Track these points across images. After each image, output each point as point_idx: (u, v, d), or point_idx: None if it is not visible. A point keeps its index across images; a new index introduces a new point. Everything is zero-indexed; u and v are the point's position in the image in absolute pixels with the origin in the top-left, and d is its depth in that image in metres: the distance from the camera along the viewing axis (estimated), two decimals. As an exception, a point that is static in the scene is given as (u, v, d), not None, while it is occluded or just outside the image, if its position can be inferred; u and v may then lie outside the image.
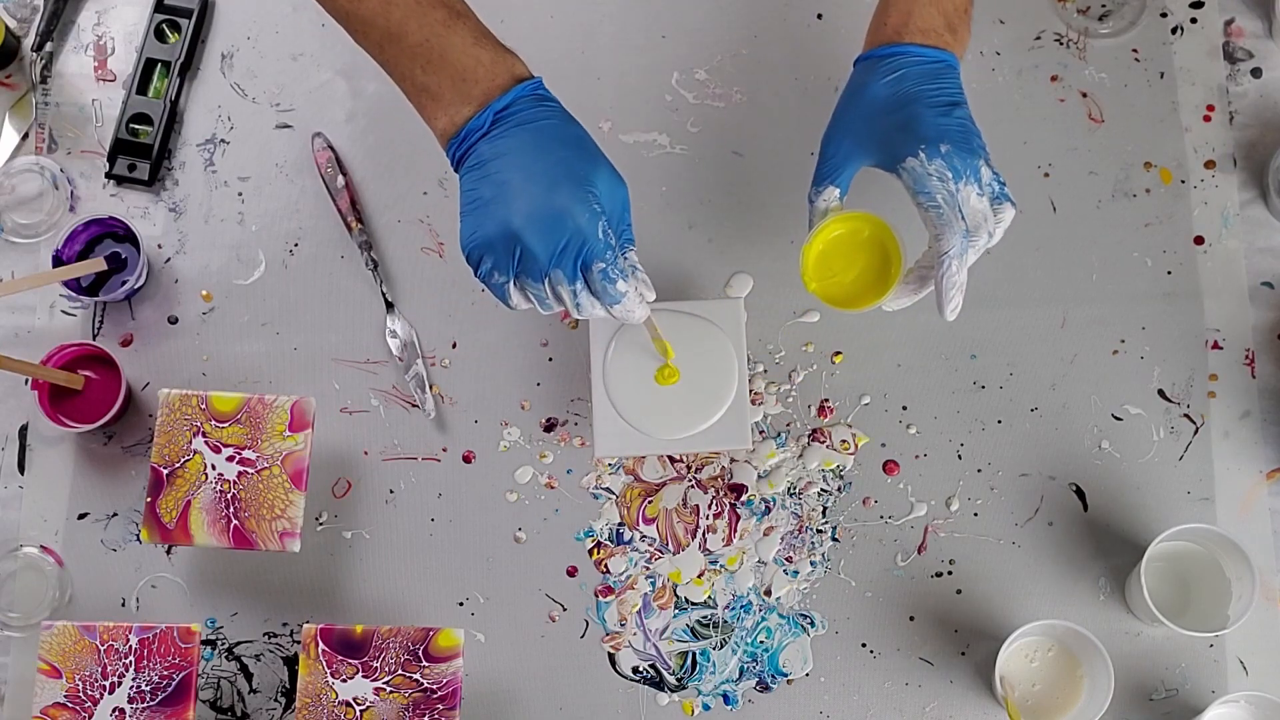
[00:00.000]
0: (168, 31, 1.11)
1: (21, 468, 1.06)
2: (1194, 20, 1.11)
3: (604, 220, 0.80)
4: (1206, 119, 1.09)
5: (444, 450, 1.06)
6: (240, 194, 1.10)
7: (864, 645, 1.02)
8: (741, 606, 1.03)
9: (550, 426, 1.06)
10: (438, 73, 0.82)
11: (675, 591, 1.03)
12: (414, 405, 1.06)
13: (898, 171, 0.84)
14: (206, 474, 0.96)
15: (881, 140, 0.85)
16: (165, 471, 0.97)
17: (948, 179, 0.82)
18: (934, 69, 0.85)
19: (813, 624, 1.02)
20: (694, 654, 1.02)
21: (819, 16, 1.12)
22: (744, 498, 1.04)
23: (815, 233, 0.88)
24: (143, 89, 1.10)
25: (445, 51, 0.82)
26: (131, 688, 0.94)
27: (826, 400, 1.05)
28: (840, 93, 0.89)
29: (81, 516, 1.05)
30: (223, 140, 1.11)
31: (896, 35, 0.86)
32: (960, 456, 1.04)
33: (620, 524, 1.04)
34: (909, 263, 0.87)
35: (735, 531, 1.03)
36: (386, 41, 0.83)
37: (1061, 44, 1.10)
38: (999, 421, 1.05)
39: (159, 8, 1.11)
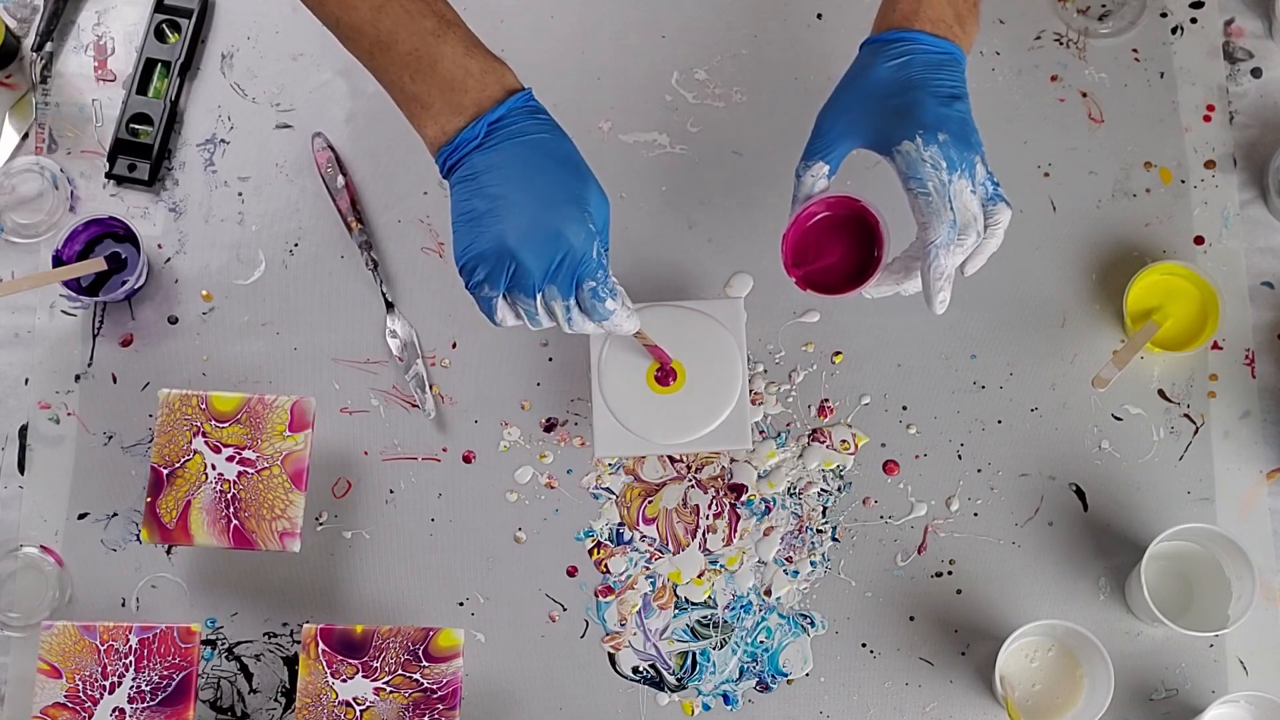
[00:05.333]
0: (168, 31, 1.11)
1: (21, 468, 1.06)
2: (1194, 20, 1.11)
3: (598, 240, 0.81)
4: (1206, 119, 1.09)
5: (444, 450, 1.06)
6: (240, 194, 1.10)
7: (864, 645, 1.02)
8: (741, 606, 1.03)
9: (550, 426, 1.06)
10: (427, 81, 0.82)
11: (675, 591, 1.03)
12: (414, 405, 1.06)
13: (891, 155, 0.83)
14: (206, 474, 0.96)
15: (879, 122, 0.84)
16: (165, 471, 0.97)
17: (941, 168, 0.81)
18: (939, 59, 0.85)
19: (813, 624, 1.02)
20: (694, 654, 1.02)
21: (819, 16, 1.12)
22: (744, 498, 1.04)
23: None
24: (143, 89, 1.10)
25: (435, 61, 0.81)
26: (131, 688, 0.94)
27: (826, 400, 1.05)
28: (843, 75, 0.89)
29: (81, 516, 1.05)
30: (223, 140, 1.11)
31: (905, 21, 0.86)
32: (960, 456, 1.04)
33: (620, 524, 1.04)
34: (895, 253, 0.87)
35: (735, 531, 1.03)
36: (376, 49, 0.83)
37: (1061, 44, 1.10)
38: (999, 421, 1.05)
39: (159, 8, 1.11)
